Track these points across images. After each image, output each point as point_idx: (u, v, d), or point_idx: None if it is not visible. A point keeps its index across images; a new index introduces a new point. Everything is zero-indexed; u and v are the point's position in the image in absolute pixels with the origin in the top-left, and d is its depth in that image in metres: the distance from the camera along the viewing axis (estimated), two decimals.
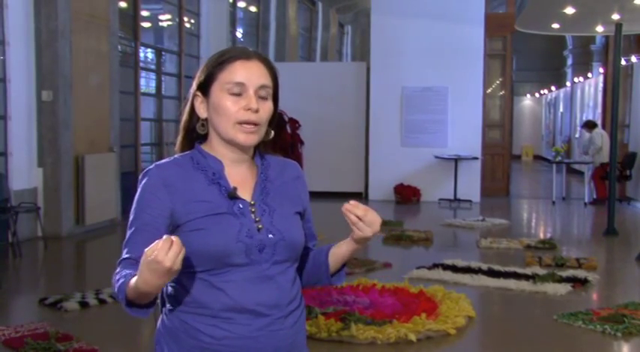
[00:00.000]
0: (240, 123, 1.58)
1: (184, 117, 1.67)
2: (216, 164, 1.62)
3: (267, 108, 1.61)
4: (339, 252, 1.68)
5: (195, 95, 1.64)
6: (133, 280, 1.42)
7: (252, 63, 1.61)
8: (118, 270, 1.54)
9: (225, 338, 1.54)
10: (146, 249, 1.35)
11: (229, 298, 1.54)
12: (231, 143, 1.61)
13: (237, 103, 1.58)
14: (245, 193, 1.62)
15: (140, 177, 1.62)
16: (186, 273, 1.54)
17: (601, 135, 12.00)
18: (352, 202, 1.57)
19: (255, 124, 1.59)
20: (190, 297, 1.55)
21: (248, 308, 1.55)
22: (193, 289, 1.56)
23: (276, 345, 1.58)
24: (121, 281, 1.48)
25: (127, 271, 1.50)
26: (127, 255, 1.55)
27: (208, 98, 1.62)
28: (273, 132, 1.67)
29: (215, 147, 1.64)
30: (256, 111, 1.58)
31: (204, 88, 1.62)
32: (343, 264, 1.72)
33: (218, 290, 1.54)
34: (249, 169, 1.67)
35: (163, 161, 1.64)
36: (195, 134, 1.66)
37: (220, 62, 1.61)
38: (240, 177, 1.64)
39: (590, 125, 12.44)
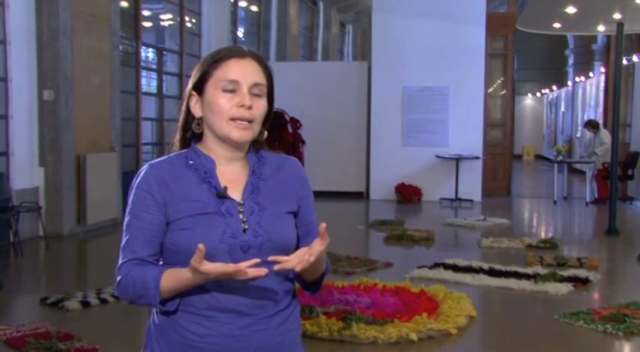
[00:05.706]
0: (234, 119, 1.59)
1: (181, 116, 1.69)
2: (209, 163, 1.63)
3: (260, 106, 1.62)
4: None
5: (190, 95, 1.65)
6: (173, 283, 1.51)
7: (246, 61, 1.62)
8: (126, 272, 1.55)
9: (206, 336, 1.56)
10: (231, 265, 1.43)
11: (213, 297, 1.55)
12: (225, 140, 1.62)
13: (231, 100, 1.59)
14: (236, 192, 1.62)
15: (135, 177, 1.63)
16: None
17: (608, 136, 11.75)
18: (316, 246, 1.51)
19: (249, 121, 1.60)
20: (177, 295, 1.56)
21: (231, 307, 1.56)
22: None
23: (259, 345, 1.58)
24: (151, 283, 1.52)
25: (150, 273, 1.53)
26: (132, 256, 1.57)
27: (203, 96, 1.63)
28: (266, 132, 1.68)
29: (209, 146, 1.65)
30: (249, 108, 1.59)
31: (199, 86, 1.63)
32: (320, 275, 1.67)
33: (203, 290, 1.54)
34: (243, 168, 1.67)
35: (157, 160, 1.65)
36: (192, 133, 1.68)
37: (215, 60, 1.62)
38: (233, 175, 1.64)
39: (593, 124, 12.35)
